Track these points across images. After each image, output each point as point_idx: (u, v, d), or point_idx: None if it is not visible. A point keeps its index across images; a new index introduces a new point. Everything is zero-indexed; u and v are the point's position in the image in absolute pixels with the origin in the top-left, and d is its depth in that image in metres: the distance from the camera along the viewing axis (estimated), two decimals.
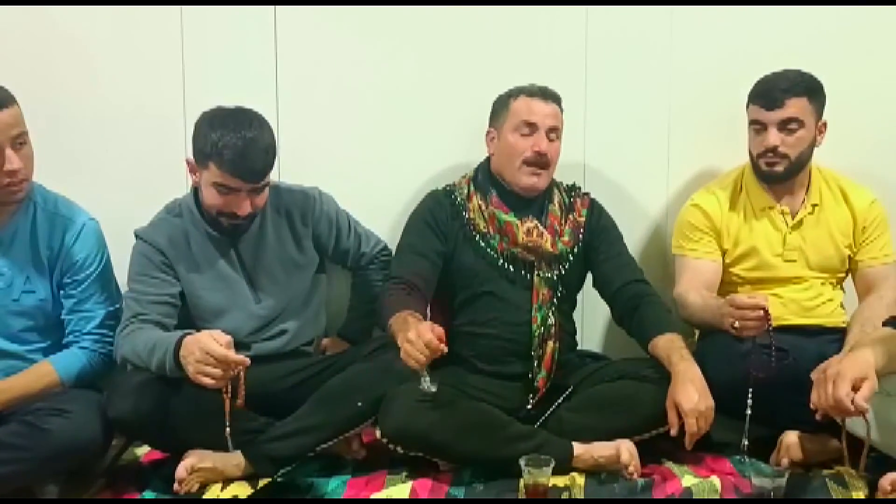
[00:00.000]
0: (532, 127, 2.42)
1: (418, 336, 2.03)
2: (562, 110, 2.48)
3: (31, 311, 2.24)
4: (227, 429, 2.10)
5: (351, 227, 2.52)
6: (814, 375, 2.05)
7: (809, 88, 2.46)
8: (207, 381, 2.02)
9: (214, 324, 2.32)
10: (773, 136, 2.46)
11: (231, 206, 2.25)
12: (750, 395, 2.20)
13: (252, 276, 2.38)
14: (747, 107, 2.52)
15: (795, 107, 2.44)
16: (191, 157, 2.29)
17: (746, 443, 2.22)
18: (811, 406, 2.04)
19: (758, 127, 2.49)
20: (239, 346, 2.32)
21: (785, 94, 2.44)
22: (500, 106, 2.49)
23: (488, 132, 2.52)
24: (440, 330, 2.04)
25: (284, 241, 2.41)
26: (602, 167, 2.77)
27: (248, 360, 2.06)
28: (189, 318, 2.35)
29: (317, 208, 2.44)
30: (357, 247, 2.54)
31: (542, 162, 2.42)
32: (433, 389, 2.10)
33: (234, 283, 2.37)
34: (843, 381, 1.94)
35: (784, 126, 2.45)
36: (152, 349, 2.12)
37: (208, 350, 2.02)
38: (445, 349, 2.04)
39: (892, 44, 2.74)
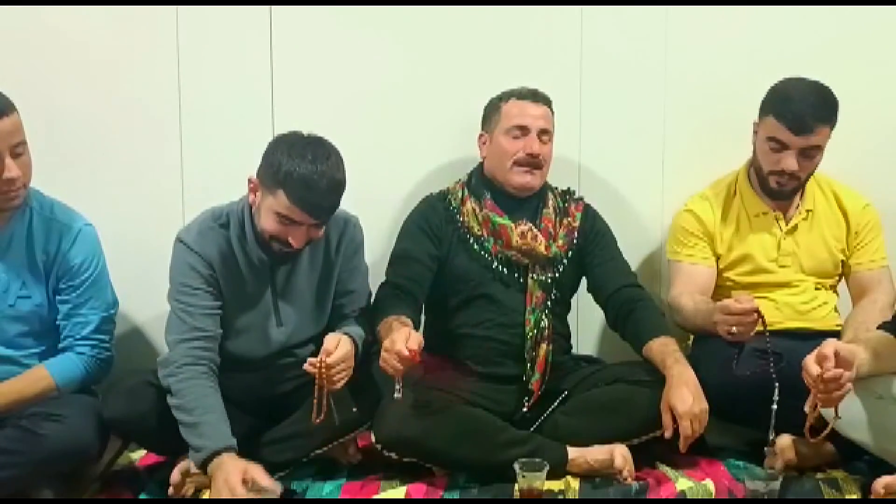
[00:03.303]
0: (523, 130, 2.44)
1: (392, 344, 2.04)
2: (553, 112, 2.50)
3: (26, 316, 2.24)
4: None
5: (365, 272, 2.44)
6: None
7: (833, 114, 2.42)
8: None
9: (232, 341, 2.30)
10: (794, 162, 2.42)
11: (287, 235, 2.18)
12: (776, 402, 2.16)
13: (280, 302, 2.33)
14: (763, 116, 2.47)
15: (821, 134, 2.41)
16: (254, 176, 2.21)
17: (773, 436, 2.19)
18: (805, 409, 2.05)
19: (776, 146, 2.44)
20: (248, 364, 2.34)
21: (816, 122, 2.39)
22: (491, 110, 2.51)
23: (480, 136, 2.54)
24: (416, 340, 2.05)
25: (317, 268, 2.36)
26: (597, 171, 2.77)
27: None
28: None
29: (349, 230, 2.38)
30: (358, 298, 2.40)
31: (534, 163, 2.44)
32: (397, 396, 2.10)
33: (262, 307, 2.32)
34: (811, 366, 1.97)
35: (805, 151, 2.43)
36: (191, 426, 2.09)
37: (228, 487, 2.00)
38: (417, 359, 2.04)
39: (887, 49, 2.75)
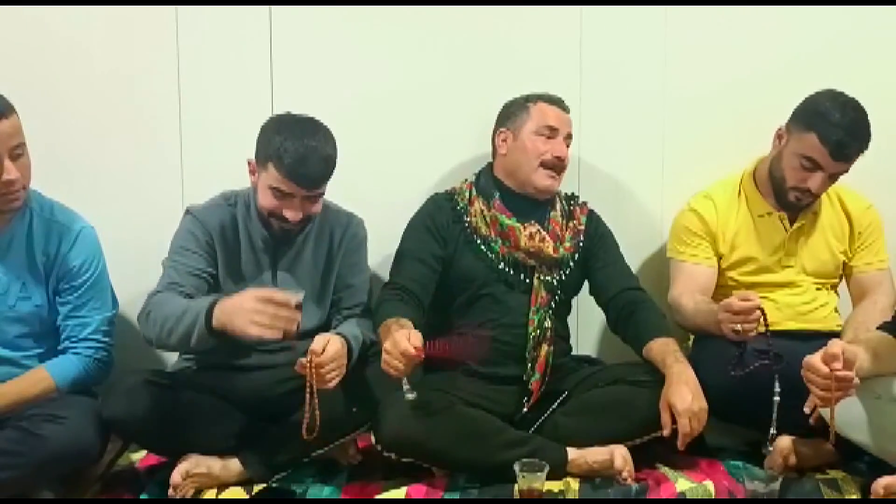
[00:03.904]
0: (554, 131, 2.47)
1: (395, 345, 2.04)
2: None
3: (26, 317, 2.25)
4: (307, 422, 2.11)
5: (366, 270, 2.48)
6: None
7: (870, 140, 2.40)
8: (264, 331, 1.99)
9: None
10: (822, 184, 2.43)
11: (283, 210, 2.25)
12: (777, 395, 2.17)
13: (279, 288, 2.33)
14: (799, 130, 2.42)
15: (855, 161, 2.41)
16: (252, 157, 2.30)
17: (774, 431, 2.19)
18: (805, 410, 2.05)
19: (809, 165, 2.41)
20: (243, 350, 2.34)
21: (856, 153, 2.39)
22: (517, 108, 2.52)
23: (500, 132, 2.53)
24: (417, 338, 2.05)
25: (320, 264, 2.40)
26: (597, 170, 2.77)
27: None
28: None
29: (352, 228, 2.44)
30: (357, 293, 2.44)
31: (560, 166, 2.47)
32: (411, 397, 2.11)
33: (259, 286, 2.34)
34: (815, 362, 1.98)
35: (835, 176, 2.43)
36: (182, 315, 2.12)
37: (264, 297, 1.99)
38: (422, 356, 2.05)
39: (887, 51, 2.75)
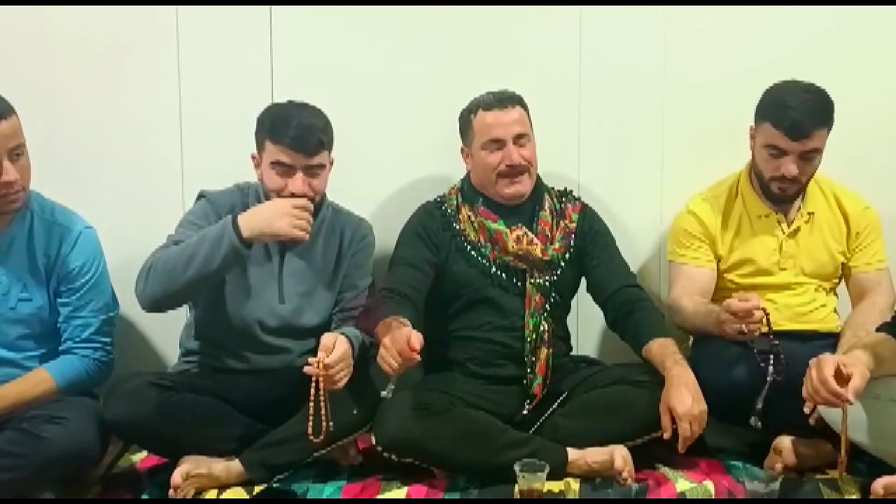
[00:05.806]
0: (498, 142, 2.42)
1: (395, 342, 2.05)
2: (525, 108, 2.46)
3: (27, 318, 2.25)
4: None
5: (370, 275, 2.49)
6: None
7: (830, 116, 2.41)
8: (304, 233, 2.20)
9: (231, 300, 2.35)
10: (794, 167, 2.42)
11: (288, 186, 2.28)
12: (771, 376, 2.21)
13: (285, 280, 2.38)
14: (759, 123, 2.46)
15: (818, 137, 2.41)
16: (254, 152, 2.36)
17: (760, 405, 2.21)
18: (803, 395, 2.04)
19: (775, 153, 2.43)
20: (244, 336, 2.36)
21: (813, 127, 2.39)
22: (464, 124, 2.49)
23: (462, 150, 2.53)
24: (418, 339, 2.05)
25: (330, 261, 2.42)
26: (596, 173, 2.76)
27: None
28: (208, 296, 2.36)
29: (362, 230, 2.47)
30: (360, 295, 2.45)
31: (517, 171, 2.43)
32: (386, 393, 2.11)
33: (265, 276, 2.37)
34: (827, 364, 1.98)
35: (804, 155, 2.43)
36: (200, 240, 2.17)
37: (299, 204, 2.20)
38: (418, 359, 2.05)
39: (886, 50, 2.75)
